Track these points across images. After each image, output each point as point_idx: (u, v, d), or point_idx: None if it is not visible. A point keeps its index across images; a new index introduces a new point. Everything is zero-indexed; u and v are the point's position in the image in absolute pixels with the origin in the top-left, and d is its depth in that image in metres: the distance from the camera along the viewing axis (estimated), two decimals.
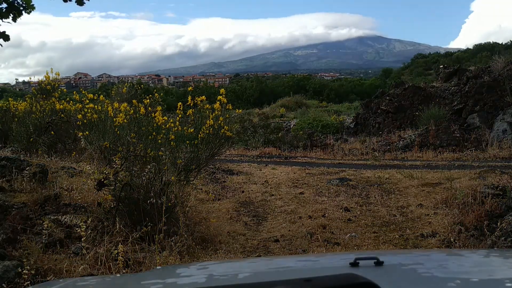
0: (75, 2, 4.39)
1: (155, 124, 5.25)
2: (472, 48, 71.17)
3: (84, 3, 4.43)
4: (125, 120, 5.33)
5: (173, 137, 5.09)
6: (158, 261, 3.83)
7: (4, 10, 4.08)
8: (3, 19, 4.08)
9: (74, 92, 6.98)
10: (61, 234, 4.19)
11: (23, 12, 4.18)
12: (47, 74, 9.17)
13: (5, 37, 4.15)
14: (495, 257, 1.67)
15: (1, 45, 4.23)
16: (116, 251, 3.74)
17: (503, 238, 4.46)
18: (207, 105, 5.47)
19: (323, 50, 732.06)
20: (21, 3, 4.15)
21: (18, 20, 4.17)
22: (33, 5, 4.22)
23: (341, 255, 2.16)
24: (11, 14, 4.11)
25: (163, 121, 5.23)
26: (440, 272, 1.34)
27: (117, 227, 4.33)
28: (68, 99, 8.81)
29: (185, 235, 4.51)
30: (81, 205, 4.89)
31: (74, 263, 3.69)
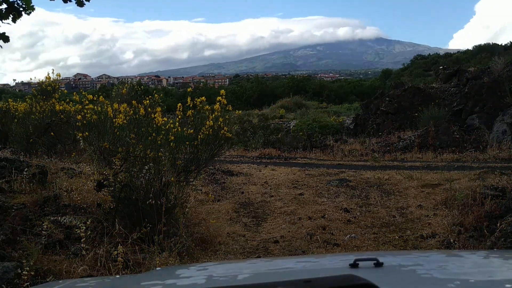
0: (75, 3, 4.39)
1: (154, 125, 5.24)
2: (471, 49, 71.15)
3: (84, 4, 4.44)
4: (124, 121, 5.33)
5: (172, 138, 5.08)
6: (157, 262, 3.82)
7: (4, 11, 4.08)
8: (3, 20, 4.09)
9: (74, 93, 6.98)
10: (60, 235, 4.19)
11: (23, 13, 4.19)
12: (48, 75, 9.18)
13: (5, 38, 4.15)
14: (495, 258, 1.67)
15: (1, 47, 4.24)
16: (115, 252, 3.74)
17: (502, 239, 4.46)
18: (207, 106, 5.47)
19: (323, 51, 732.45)
20: (20, 3, 4.16)
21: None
22: (33, 6, 4.23)
23: (340, 256, 2.16)
24: (10, 15, 4.12)
25: (162, 122, 5.22)
26: (440, 273, 1.34)
27: (117, 228, 4.33)
28: (67, 100, 8.82)
29: (185, 236, 4.51)
30: (81, 206, 4.88)
31: (74, 264, 3.68)
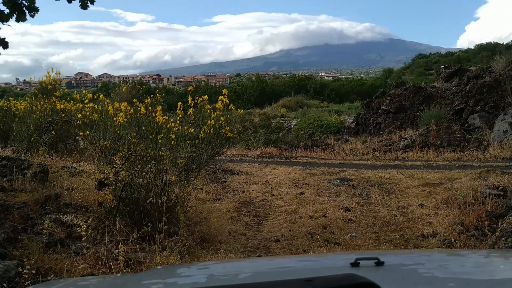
0: (79, 5, 4.38)
1: (155, 124, 5.24)
2: (473, 48, 71.03)
3: (88, 6, 4.43)
4: (125, 120, 5.33)
5: (173, 136, 5.09)
6: (158, 261, 3.83)
7: (7, 12, 4.05)
8: (4, 22, 4.06)
9: (75, 91, 6.98)
10: (61, 234, 4.19)
11: (27, 14, 4.16)
12: (48, 73, 9.17)
13: (4, 44, 4.11)
14: (496, 258, 1.67)
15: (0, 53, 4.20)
16: (116, 250, 3.75)
17: (503, 238, 4.46)
18: (208, 105, 5.47)
19: (324, 50, 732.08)
20: (24, 3, 4.13)
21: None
22: (37, 7, 4.20)
23: (341, 255, 2.16)
24: (14, 14, 4.09)
25: (163, 120, 5.23)
26: (441, 272, 1.34)
27: (118, 226, 4.33)
28: (68, 98, 8.81)
29: (186, 235, 4.51)
30: (82, 205, 4.89)
31: (75, 262, 3.69)
